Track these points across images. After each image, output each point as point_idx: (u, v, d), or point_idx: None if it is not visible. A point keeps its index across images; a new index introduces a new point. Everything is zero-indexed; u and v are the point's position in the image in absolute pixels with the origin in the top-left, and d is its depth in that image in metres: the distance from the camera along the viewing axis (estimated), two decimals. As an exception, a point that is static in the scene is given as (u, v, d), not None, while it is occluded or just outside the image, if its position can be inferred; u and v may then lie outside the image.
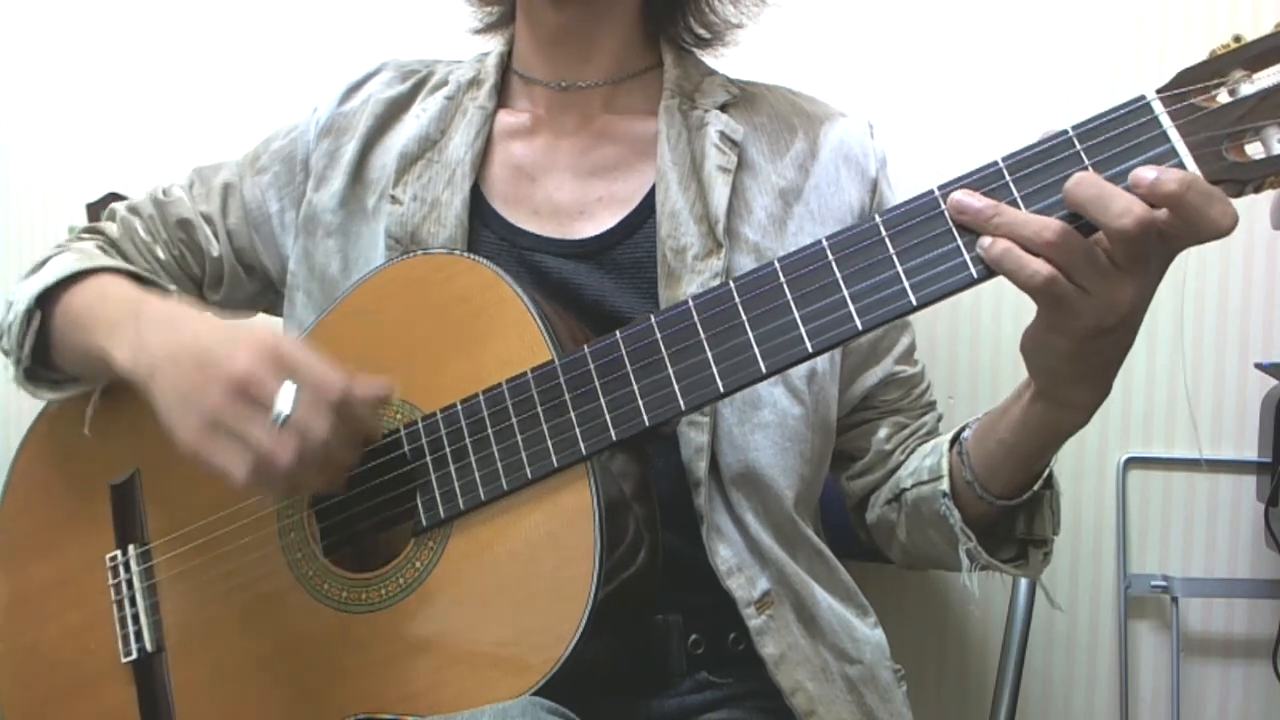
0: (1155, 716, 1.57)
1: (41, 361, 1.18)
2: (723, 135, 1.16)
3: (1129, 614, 1.56)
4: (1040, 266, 0.82)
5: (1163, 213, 0.79)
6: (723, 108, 1.19)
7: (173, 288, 1.22)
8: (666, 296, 1.11)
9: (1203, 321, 1.55)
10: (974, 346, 1.58)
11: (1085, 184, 0.81)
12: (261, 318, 1.34)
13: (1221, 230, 0.79)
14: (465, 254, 1.05)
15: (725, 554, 1.09)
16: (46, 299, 1.15)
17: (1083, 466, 1.57)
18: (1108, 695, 1.57)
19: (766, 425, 1.12)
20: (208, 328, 1.02)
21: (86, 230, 1.30)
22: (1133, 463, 1.56)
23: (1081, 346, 0.86)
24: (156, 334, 1.04)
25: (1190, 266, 1.53)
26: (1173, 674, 1.54)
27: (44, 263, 1.21)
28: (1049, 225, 0.82)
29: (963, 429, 1.08)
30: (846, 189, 1.18)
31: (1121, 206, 0.79)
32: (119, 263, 1.20)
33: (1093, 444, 1.56)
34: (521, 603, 0.94)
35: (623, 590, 0.94)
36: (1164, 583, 1.54)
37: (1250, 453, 1.53)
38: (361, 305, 1.08)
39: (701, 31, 1.26)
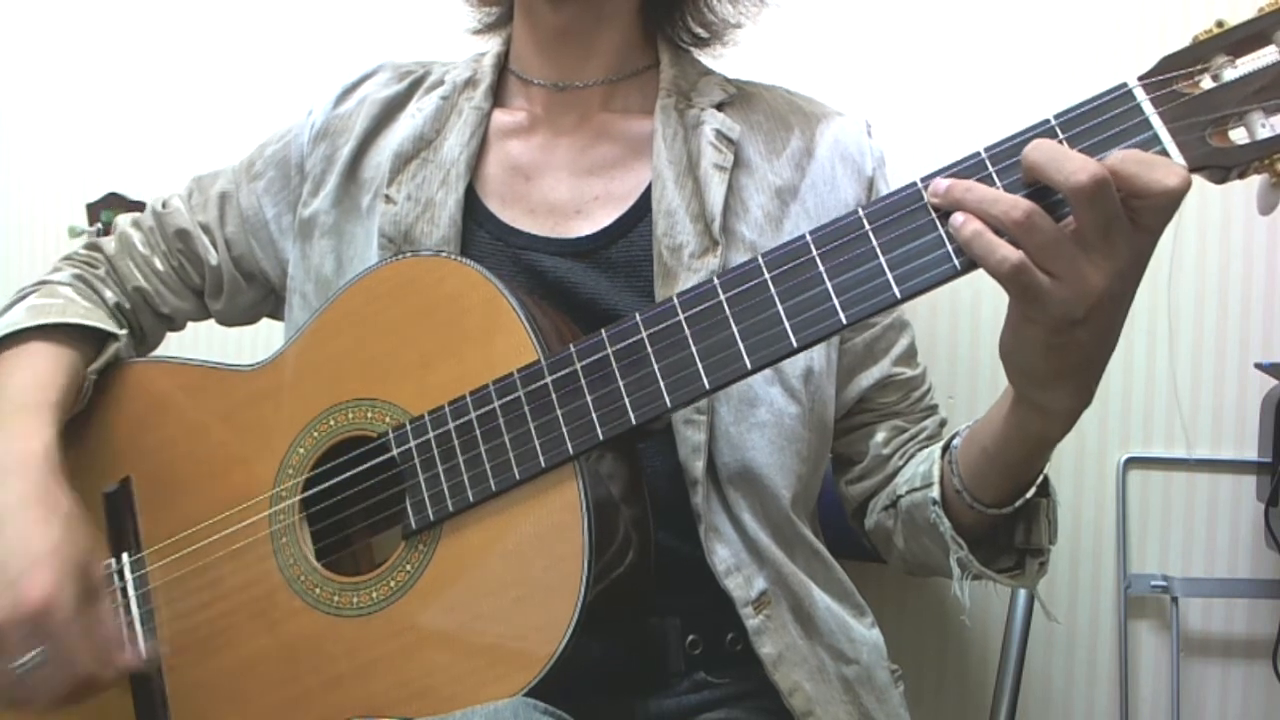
0: (1155, 716, 1.56)
1: None
2: (719, 134, 1.15)
3: (1129, 614, 1.56)
4: (1009, 253, 0.81)
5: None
6: (719, 106, 1.18)
7: (122, 332, 1.21)
8: (662, 295, 1.10)
9: (1203, 321, 1.55)
10: (974, 344, 1.58)
11: (1041, 148, 0.81)
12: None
13: (1167, 189, 0.78)
14: (453, 255, 1.05)
15: (723, 553, 1.08)
16: None
17: (1083, 466, 1.56)
18: (1108, 695, 1.57)
19: (763, 424, 1.11)
20: (14, 530, 1.01)
21: (87, 247, 1.32)
22: (1133, 463, 1.55)
23: (1054, 338, 0.85)
24: None
25: (1190, 266, 1.53)
26: (1173, 674, 1.54)
27: (19, 299, 1.22)
28: (1017, 204, 0.81)
29: (954, 436, 1.07)
30: (843, 188, 1.18)
31: (1076, 164, 0.78)
32: (58, 317, 1.17)
33: (1092, 444, 1.56)
34: (513, 603, 0.93)
35: (614, 589, 0.94)
36: (1164, 583, 1.53)
37: (1250, 453, 1.53)
38: (351, 307, 1.08)
39: (700, 31, 1.26)
